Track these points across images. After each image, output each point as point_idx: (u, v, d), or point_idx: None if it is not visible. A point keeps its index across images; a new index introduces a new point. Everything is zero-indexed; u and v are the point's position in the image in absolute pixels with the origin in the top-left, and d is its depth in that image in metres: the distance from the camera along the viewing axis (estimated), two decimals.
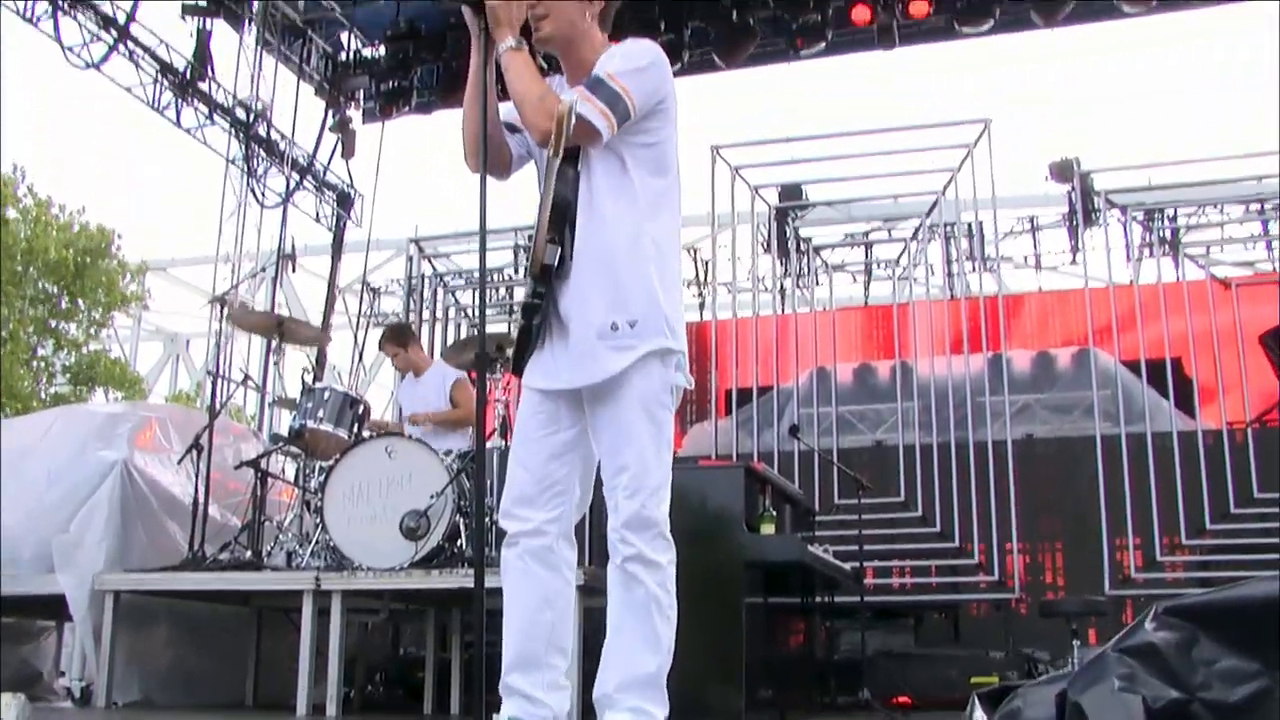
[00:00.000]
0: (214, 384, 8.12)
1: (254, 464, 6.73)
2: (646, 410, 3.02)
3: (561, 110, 2.86)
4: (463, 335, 12.93)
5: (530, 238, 3.10)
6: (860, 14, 10.47)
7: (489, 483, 6.24)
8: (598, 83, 3.00)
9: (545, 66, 3.26)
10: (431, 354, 10.45)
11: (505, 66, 3.02)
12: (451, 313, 13.59)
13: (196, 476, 6.67)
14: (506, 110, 3.15)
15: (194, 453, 6.68)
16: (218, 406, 7.29)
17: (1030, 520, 8.95)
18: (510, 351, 3.17)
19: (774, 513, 5.65)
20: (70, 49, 10.04)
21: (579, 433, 3.14)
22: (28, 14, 9.77)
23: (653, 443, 3.03)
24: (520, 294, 12.47)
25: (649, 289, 3.04)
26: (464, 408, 7.32)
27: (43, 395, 19.70)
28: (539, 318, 3.07)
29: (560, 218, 3.00)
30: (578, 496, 3.18)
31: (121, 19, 10.35)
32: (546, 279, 3.04)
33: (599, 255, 3.02)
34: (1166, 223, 12.49)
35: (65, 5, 9.94)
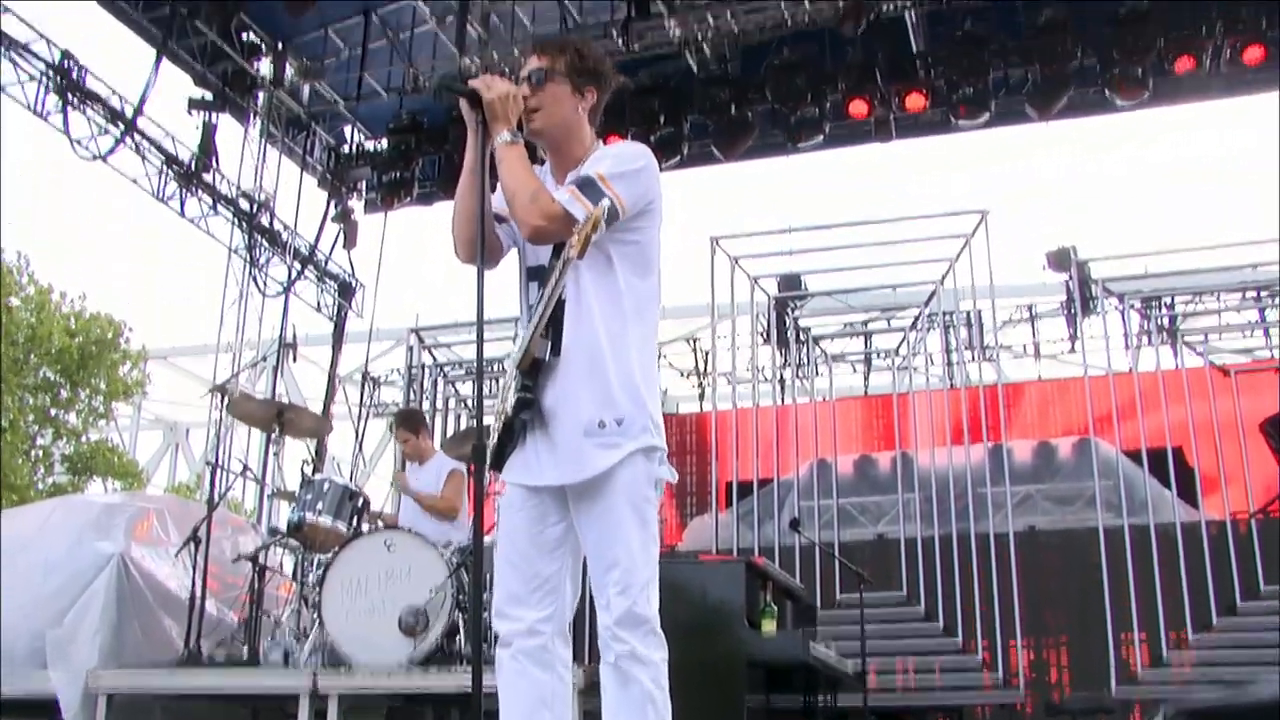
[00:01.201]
0: (213, 475, 8.07)
1: (252, 558, 6.66)
2: (634, 506, 3.01)
3: (597, 214, 2.85)
4: (463, 426, 12.90)
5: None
6: (858, 108, 10.63)
7: (488, 577, 6.17)
8: (589, 183, 3.02)
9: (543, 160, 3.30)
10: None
11: (500, 160, 3.05)
12: (452, 403, 13.59)
13: (194, 570, 6.59)
14: (496, 201, 3.17)
15: (191, 545, 6.61)
16: (216, 498, 7.24)
17: (1034, 615, 8.84)
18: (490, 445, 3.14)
19: (775, 608, 5.61)
20: (78, 141, 10.18)
21: (566, 528, 3.11)
22: (38, 108, 9.91)
23: (640, 538, 3.01)
24: None
25: (634, 387, 3.06)
26: (447, 500, 7.26)
27: (40, 486, 19.55)
28: (529, 413, 3.06)
29: (556, 315, 3.02)
30: (569, 593, 3.14)
31: (129, 112, 10.49)
32: (535, 374, 3.05)
33: (587, 353, 3.04)
34: (1164, 310, 12.52)
35: (75, 100, 10.10)
